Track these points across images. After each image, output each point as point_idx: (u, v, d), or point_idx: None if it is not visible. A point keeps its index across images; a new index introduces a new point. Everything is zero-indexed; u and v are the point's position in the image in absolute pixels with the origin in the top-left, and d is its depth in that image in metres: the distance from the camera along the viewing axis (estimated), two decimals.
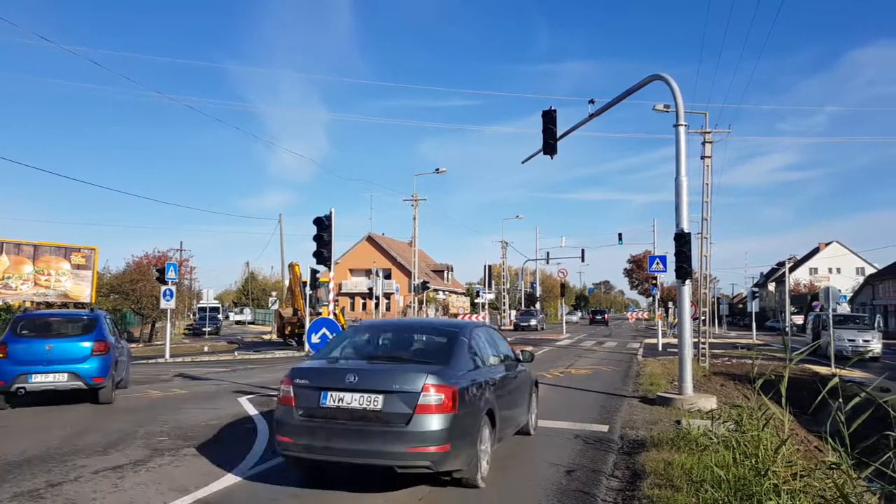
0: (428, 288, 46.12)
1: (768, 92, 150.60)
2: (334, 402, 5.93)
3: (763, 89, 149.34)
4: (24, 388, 11.13)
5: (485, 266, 51.77)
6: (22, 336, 11.53)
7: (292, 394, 6.20)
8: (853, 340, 27.05)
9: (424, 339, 7.52)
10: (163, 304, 24.56)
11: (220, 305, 60.26)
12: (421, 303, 46.39)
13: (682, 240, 12.36)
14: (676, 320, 14.70)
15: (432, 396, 5.79)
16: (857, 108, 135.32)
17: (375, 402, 5.83)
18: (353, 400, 5.89)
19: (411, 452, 5.73)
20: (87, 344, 11.59)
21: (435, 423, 5.75)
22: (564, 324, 50.33)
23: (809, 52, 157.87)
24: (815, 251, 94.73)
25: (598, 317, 72.54)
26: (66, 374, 11.30)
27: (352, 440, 5.79)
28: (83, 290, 32.95)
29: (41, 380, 11.21)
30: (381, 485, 6.20)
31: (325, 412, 5.95)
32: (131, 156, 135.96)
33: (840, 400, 4.73)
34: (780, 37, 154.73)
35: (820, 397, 5.01)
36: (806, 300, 65.35)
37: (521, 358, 8.54)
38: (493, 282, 54.36)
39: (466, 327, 7.50)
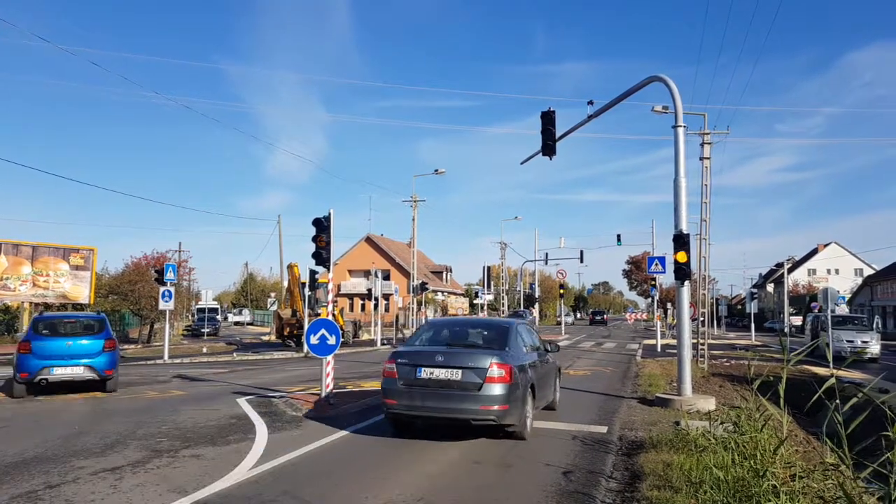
0: (427, 289, 46.09)
1: (767, 93, 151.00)
2: (427, 374, 8.39)
3: (762, 91, 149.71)
4: (46, 378, 12.90)
5: (484, 267, 51.74)
6: (42, 335, 13.23)
7: (395, 369, 8.56)
8: (852, 341, 27.07)
9: (485, 331, 9.78)
10: (161, 305, 24.50)
11: (218, 306, 60.19)
12: (420, 304, 46.36)
13: (680, 241, 12.36)
14: (675, 321, 14.71)
15: (496, 371, 8.20)
16: (855, 110, 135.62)
17: (456, 374, 8.28)
18: (440, 373, 8.34)
19: (482, 409, 8.14)
20: (100, 341, 13.49)
21: (498, 389, 8.16)
22: (563, 324, 50.34)
23: (808, 54, 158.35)
24: (814, 252, 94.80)
25: (598, 317, 75.48)
26: (82, 367, 13.17)
27: (440, 401, 8.26)
28: (82, 291, 32.91)
29: (61, 372, 13.03)
30: (453, 436, 8.67)
31: (420, 382, 8.39)
32: (130, 156, 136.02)
33: (837, 401, 4.74)
34: (778, 38, 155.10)
35: (815, 397, 5.01)
36: (804, 301, 65.35)
37: (549, 349, 11.11)
38: (492, 283, 54.38)
39: (514, 323, 9.86)
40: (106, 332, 13.78)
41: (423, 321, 42.61)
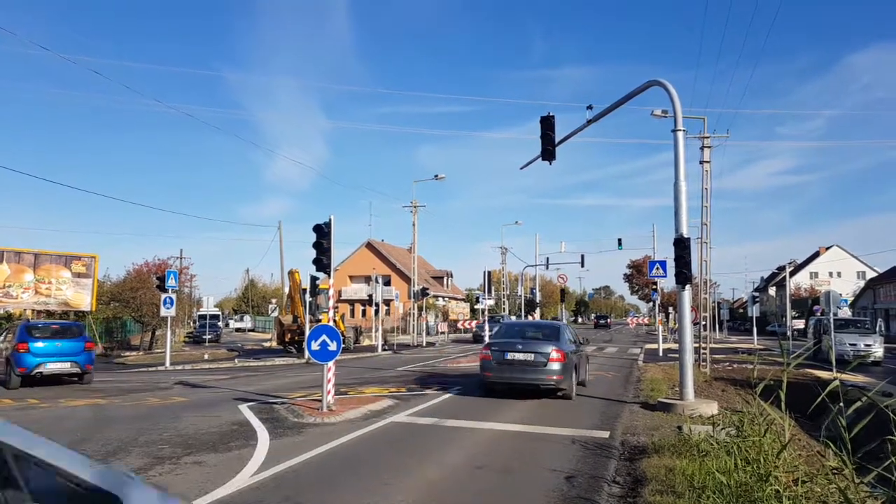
0: (427, 294, 46.07)
1: (767, 96, 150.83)
2: (511, 356, 13.17)
3: (761, 94, 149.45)
4: (41, 372, 16.11)
5: (484, 272, 51.54)
6: (35, 337, 16.35)
7: (490, 354, 13.44)
8: (855, 345, 26.98)
9: (545, 329, 14.94)
10: (163, 311, 24.52)
11: (220, 313, 60.16)
12: (421, 309, 46.34)
13: (681, 245, 12.35)
14: (677, 325, 14.70)
15: (555, 355, 12.95)
16: (855, 112, 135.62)
17: (530, 357, 13.06)
18: (520, 355, 13.13)
19: (547, 378, 12.94)
20: (82, 343, 16.98)
21: (556, 366, 12.90)
22: None
23: (807, 57, 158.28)
24: (816, 255, 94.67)
25: (602, 321, 77.45)
26: (69, 363, 16.56)
27: (521, 374, 13.07)
28: (83, 299, 32.94)
29: (53, 367, 16.31)
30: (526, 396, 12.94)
31: (507, 361, 13.20)
32: (131, 164, 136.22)
33: (840, 404, 4.72)
34: (777, 41, 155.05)
35: (818, 401, 5.00)
36: (807, 304, 65.26)
37: (582, 342, 15.93)
38: (492, 288, 54.25)
39: (563, 324, 16.61)
40: (85, 336, 17.52)
41: (424, 325, 42.62)
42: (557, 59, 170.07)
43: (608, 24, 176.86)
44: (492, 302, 54.88)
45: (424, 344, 39.89)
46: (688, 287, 12.65)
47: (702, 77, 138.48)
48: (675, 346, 21.89)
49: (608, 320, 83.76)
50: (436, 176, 42.97)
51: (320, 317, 25.59)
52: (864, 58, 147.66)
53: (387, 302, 44.80)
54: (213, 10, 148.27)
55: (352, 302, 65.46)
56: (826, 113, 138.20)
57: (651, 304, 63.04)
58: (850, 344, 26.88)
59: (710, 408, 11.74)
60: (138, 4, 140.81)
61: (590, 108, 15.36)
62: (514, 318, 60.74)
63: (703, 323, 22.07)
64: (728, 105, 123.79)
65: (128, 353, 33.17)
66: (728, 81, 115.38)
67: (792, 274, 70.94)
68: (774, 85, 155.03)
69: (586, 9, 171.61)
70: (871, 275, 78.32)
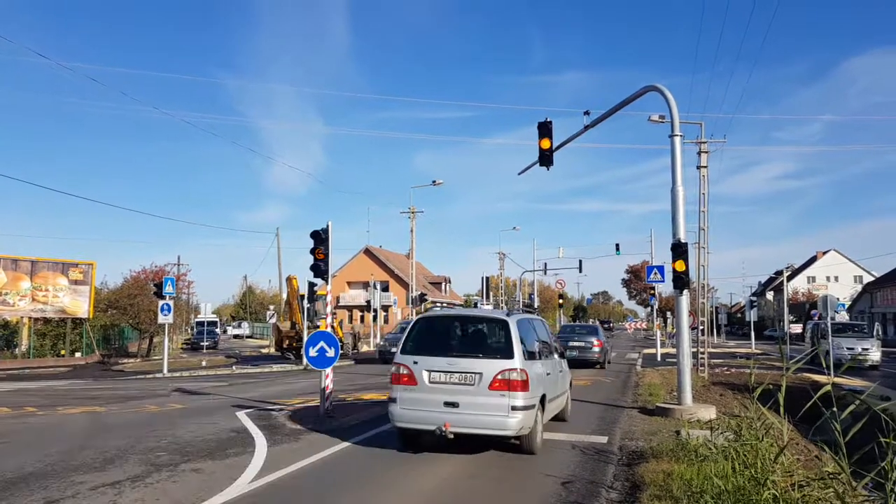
0: (426, 300, 46.06)
1: (764, 101, 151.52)
2: (572, 343, 23.97)
3: (759, 98, 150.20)
4: None
5: (482, 278, 51.68)
6: None
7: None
8: (852, 349, 27.02)
9: (585, 329, 27.12)
10: (160, 318, 24.49)
11: (217, 320, 60.11)
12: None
13: (679, 250, 12.38)
14: (675, 330, 14.71)
15: (596, 342, 24.84)
16: (853, 117, 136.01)
17: (581, 343, 24.60)
18: (578, 343, 24.40)
19: (597, 357, 24.58)
20: None
21: (597, 350, 24.60)
22: None
23: (805, 62, 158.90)
24: (813, 260, 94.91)
25: (605, 325, 79.05)
26: None
27: (581, 353, 23.98)
28: (81, 306, 32.87)
29: None
30: None
31: (570, 347, 22.73)
32: (128, 170, 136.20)
33: (835, 408, 4.74)
34: (775, 46, 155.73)
35: (809, 404, 5.00)
36: (804, 309, 65.36)
37: (611, 336, 26.18)
38: (490, 293, 54.27)
39: (597, 325, 31.30)
40: None
41: None
42: (555, 64, 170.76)
43: (606, 30, 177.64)
44: (490, 307, 54.94)
45: None
46: (686, 292, 12.66)
47: (699, 82, 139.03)
48: (673, 350, 21.87)
49: (611, 325, 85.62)
50: (433, 182, 43.07)
51: (318, 323, 25.54)
52: (862, 62, 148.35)
53: (385, 308, 44.80)
54: (211, 18, 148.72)
55: (350, 308, 65.40)
56: (824, 117, 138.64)
57: (649, 309, 63.13)
58: (848, 348, 26.92)
59: (709, 412, 11.75)
60: (136, 12, 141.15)
61: (587, 113, 15.42)
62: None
63: (701, 328, 22.08)
64: (725, 110, 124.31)
65: (125, 361, 33.09)
66: (725, 86, 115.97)
67: (789, 278, 71.06)
68: (773, 89, 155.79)
69: (584, 14, 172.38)
70: (868, 279, 78.53)
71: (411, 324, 9.44)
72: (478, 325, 9.39)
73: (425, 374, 8.31)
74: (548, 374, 9.39)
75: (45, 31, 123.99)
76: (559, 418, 10.80)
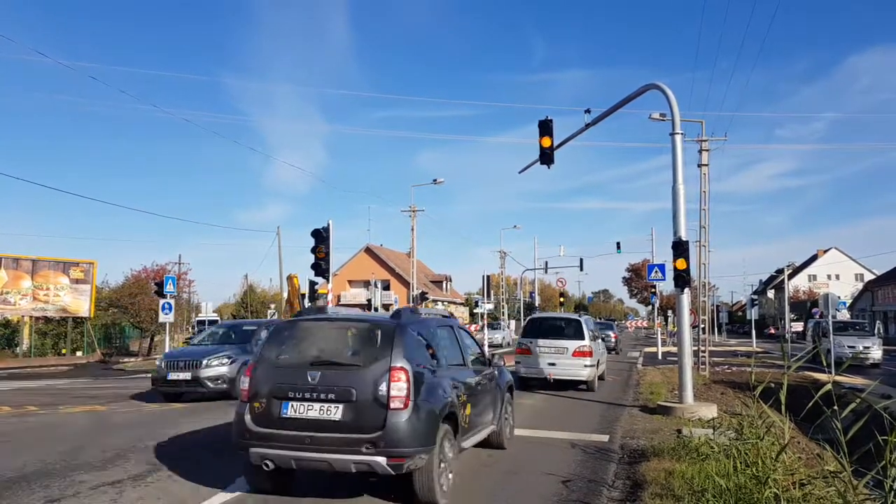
0: (427, 298, 46.07)
1: (766, 99, 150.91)
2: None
3: (761, 96, 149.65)
4: None
5: (483, 276, 51.50)
6: None
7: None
8: (853, 347, 27.01)
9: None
10: (161, 317, 24.51)
11: (219, 318, 60.02)
12: None
13: (680, 248, 12.37)
14: (676, 329, 14.77)
15: (612, 334, 33.10)
16: (855, 115, 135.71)
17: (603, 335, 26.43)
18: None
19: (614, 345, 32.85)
20: None
21: (612, 340, 32.32)
22: None
23: (808, 59, 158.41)
24: (814, 258, 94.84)
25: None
26: None
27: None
28: (82, 305, 32.90)
29: None
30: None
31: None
32: (129, 169, 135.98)
33: (835, 406, 4.73)
34: (778, 43, 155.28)
35: (811, 403, 5.00)
36: (805, 307, 65.38)
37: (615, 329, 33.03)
38: (491, 292, 54.25)
39: (613, 322, 43.58)
40: None
41: None
42: (556, 62, 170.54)
43: (607, 28, 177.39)
44: (491, 306, 54.87)
45: None
46: (687, 290, 12.66)
47: (700, 80, 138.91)
48: (674, 349, 21.89)
49: (615, 323, 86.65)
50: (434, 180, 43.02)
51: None
52: (865, 59, 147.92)
53: (386, 307, 44.77)
54: (211, 16, 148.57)
55: (351, 307, 65.45)
56: (827, 115, 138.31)
57: (650, 307, 63.16)
58: (849, 346, 26.91)
59: (710, 411, 11.75)
60: (136, 10, 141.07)
61: (588, 111, 15.41)
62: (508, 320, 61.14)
63: (702, 326, 22.07)
64: (727, 108, 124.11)
65: (126, 359, 33.11)
66: (726, 84, 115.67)
67: (790, 277, 71.03)
68: (775, 87, 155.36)
69: (585, 13, 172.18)
70: (869, 277, 78.47)
71: (527, 320, 17.77)
72: (563, 322, 16.54)
73: (537, 349, 15.40)
74: (599, 350, 16.86)
75: (45, 30, 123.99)
76: (601, 377, 17.30)
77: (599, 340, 17.67)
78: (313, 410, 5.62)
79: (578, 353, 14.99)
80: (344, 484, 6.56)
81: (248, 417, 5.95)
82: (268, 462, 5.75)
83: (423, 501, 5.82)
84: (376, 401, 5.51)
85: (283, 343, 6.36)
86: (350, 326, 6.39)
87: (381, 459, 5.43)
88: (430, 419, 5.74)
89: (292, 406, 5.71)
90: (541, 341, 15.33)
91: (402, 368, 5.60)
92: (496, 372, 8.45)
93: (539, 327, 16.26)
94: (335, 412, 5.56)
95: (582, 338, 15.15)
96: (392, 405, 5.49)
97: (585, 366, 15.04)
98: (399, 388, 5.52)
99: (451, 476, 6.18)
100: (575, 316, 17.22)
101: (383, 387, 5.51)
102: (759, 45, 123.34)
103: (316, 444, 5.54)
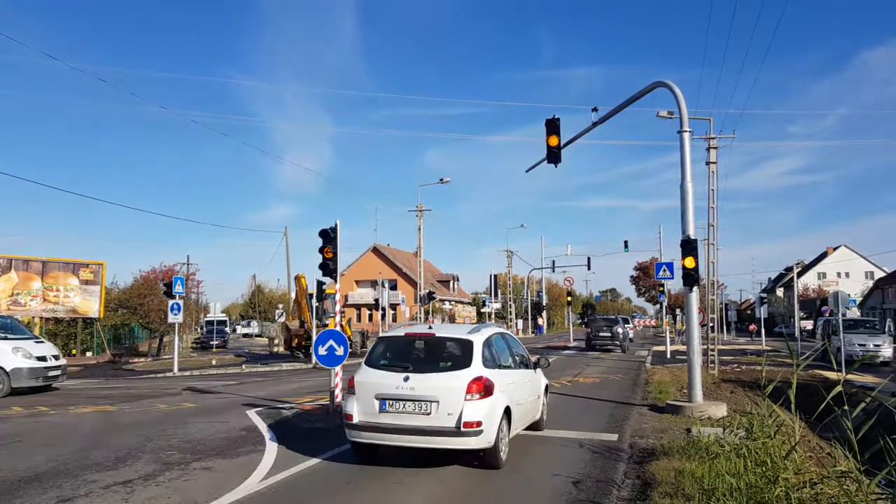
0: (434, 298, 46.09)
1: (778, 95, 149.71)
2: (602, 335, 35.16)
3: (772, 93, 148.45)
4: None
5: (491, 275, 51.73)
6: None
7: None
8: (864, 345, 26.83)
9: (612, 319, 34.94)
10: (170, 318, 24.61)
11: (227, 319, 60.34)
12: (427, 313, 46.36)
13: (688, 246, 12.33)
14: (684, 327, 14.69)
15: (622, 331, 35.26)
16: (868, 111, 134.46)
17: (609, 333, 34.73)
18: (605, 333, 35.00)
19: (623, 344, 34.94)
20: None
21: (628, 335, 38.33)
22: (572, 331, 50.27)
23: (820, 54, 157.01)
24: (824, 256, 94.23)
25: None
26: None
27: (604, 341, 34.77)
28: (91, 306, 33.08)
29: None
30: None
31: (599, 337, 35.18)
32: (138, 171, 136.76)
33: (846, 406, 4.71)
34: (789, 38, 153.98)
35: (824, 404, 4.98)
36: (815, 305, 64.92)
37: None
38: (499, 291, 54.31)
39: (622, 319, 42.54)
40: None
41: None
42: (564, 61, 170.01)
43: (614, 26, 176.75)
44: (498, 305, 54.94)
45: None
46: (695, 289, 12.61)
47: (708, 77, 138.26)
48: (682, 347, 21.83)
49: (627, 319, 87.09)
50: (441, 180, 43.03)
51: (327, 321, 25.62)
52: (880, 54, 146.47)
53: (393, 306, 44.86)
54: (219, 18, 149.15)
55: (358, 306, 65.56)
56: (839, 111, 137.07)
57: (658, 306, 62.91)
58: (860, 344, 26.74)
59: (720, 410, 11.71)
60: (144, 12, 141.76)
61: (595, 110, 15.40)
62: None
63: (711, 325, 21.99)
64: (735, 105, 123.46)
65: (136, 360, 33.28)
66: (735, 81, 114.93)
67: (800, 274, 70.62)
68: (785, 83, 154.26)
69: (592, 11, 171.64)
70: (879, 275, 77.86)
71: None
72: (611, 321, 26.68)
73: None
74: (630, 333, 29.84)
75: (54, 33, 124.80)
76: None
77: (627, 329, 18.55)
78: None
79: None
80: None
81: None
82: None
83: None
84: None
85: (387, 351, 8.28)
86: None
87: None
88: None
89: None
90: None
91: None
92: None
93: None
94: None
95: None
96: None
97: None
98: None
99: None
100: (615, 317, 11.80)
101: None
102: (769, 42, 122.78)
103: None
